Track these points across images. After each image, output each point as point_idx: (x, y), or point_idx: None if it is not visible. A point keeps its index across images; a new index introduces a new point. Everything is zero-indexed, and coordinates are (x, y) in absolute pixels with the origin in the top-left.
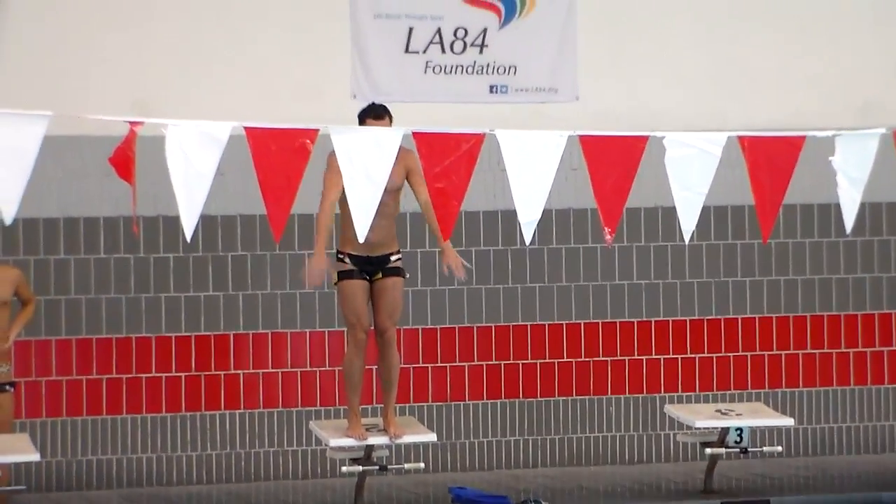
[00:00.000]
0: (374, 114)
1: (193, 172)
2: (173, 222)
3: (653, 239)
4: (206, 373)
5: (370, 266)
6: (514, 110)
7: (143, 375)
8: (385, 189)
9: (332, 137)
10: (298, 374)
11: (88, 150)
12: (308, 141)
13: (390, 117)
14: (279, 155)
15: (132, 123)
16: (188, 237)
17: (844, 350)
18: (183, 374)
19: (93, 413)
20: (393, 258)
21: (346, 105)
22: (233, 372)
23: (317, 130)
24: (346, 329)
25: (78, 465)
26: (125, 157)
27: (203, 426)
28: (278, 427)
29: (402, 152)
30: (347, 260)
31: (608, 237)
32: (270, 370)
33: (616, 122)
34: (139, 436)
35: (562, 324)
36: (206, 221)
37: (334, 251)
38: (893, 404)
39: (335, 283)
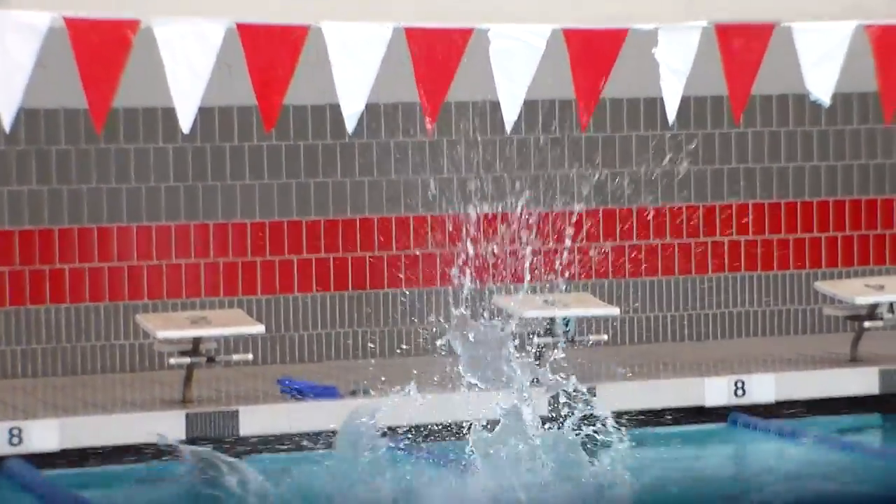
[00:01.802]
0: None
1: (11, 63)
2: None
3: (482, 132)
4: (31, 267)
5: None
6: (342, 3)
7: None
8: None
9: (154, 30)
10: (125, 267)
11: None
12: (129, 32)
13: None
14: (100, 47)
15: None
16: (6, 128)
17: (670, 241)
18: (6, 269)
19: None
20: None
21: None
22: (58, 266)
23: (138, 22)
24: None
25: None
26: None
27: (28, 320)
28: (105, 321)
29: None
30: None
31: (429, 127)
32: (97, 264)
33: (444, 14)
34: None
35: (390, 217)
36: (28, 114)
37: None
38: (716, 293)
39: None
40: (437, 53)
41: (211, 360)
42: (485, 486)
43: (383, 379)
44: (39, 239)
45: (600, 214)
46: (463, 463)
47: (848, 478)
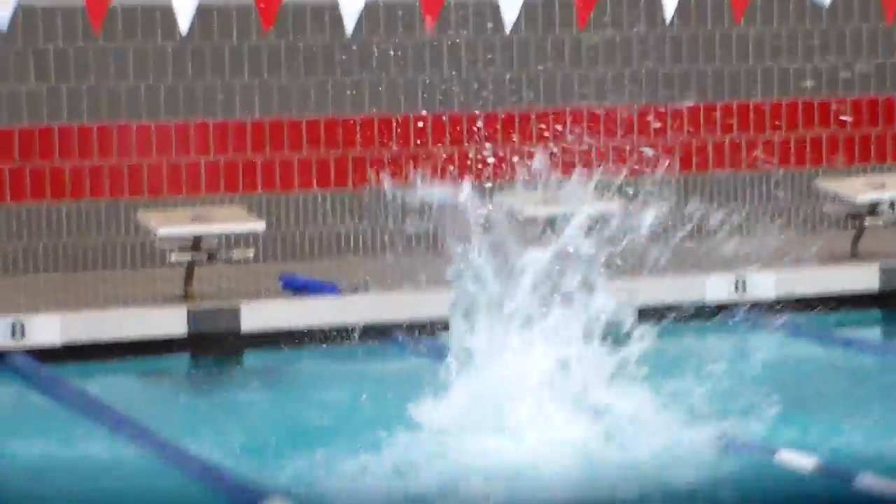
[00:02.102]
0: None
1: None
2: None
3: (483, 31)
4: (31, 164)
5: None
6: None
7: None
8: None
9: None
10: (125, 165)
11: None
12: None
13: None
14: None
15: None
16: (3, 27)
17: (671, 139)
18: (7, 166)
19: None
20: None
21: None
22: (58, 164)
23: None
24: None
25: None
26: None
27: (29, 217)
28: (105, 217)
29: None
30: None
31: (429, 26)
32: (97, 161)
33: None
34: None
35: (390, 116)
36: (25, 12)
37: None
38: (718, 190)
39: None
40: None
41: (212, 256)
42: None
43: (385, 275)
44: (39, 137)
45: (601, 113)
46: None
47: (847, 374)
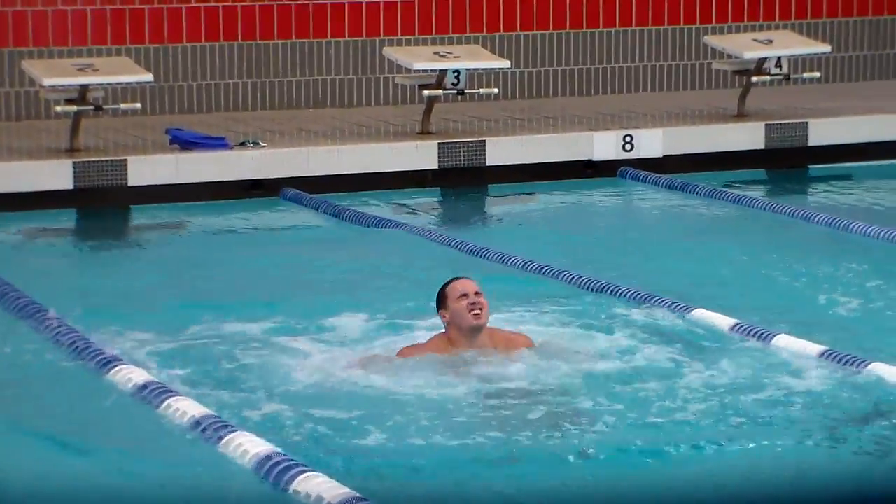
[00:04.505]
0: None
1: None
2: None
3: None
4: None
5: None
6: None
7: None
8: None
9: None
10: (9, 13)
11: None
12: None
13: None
14: None
15: None
16: None
17: None
18: None
19: None
20: None
21: None
22: None
23: None
24: None
25: None
26: None
27: None
28: None
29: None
30: None
31: None
32: None
33: None
34: None
35: None
36: None
37: None
38: (608, 48)
39: None
40: None
41: (98, 108)
42: None
43: (273, 131)
44: None
45: None
46: None
47: (738, 227)
